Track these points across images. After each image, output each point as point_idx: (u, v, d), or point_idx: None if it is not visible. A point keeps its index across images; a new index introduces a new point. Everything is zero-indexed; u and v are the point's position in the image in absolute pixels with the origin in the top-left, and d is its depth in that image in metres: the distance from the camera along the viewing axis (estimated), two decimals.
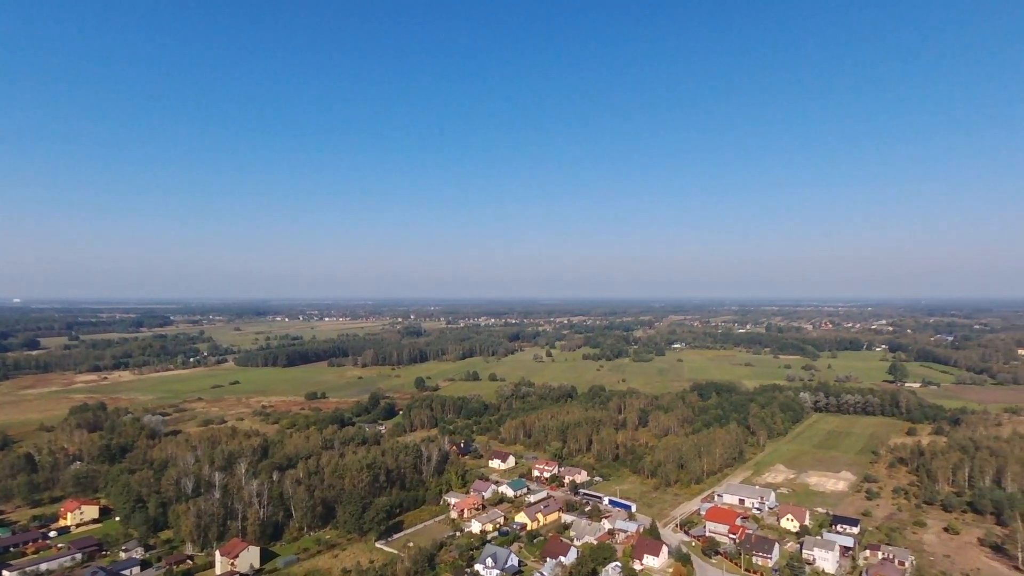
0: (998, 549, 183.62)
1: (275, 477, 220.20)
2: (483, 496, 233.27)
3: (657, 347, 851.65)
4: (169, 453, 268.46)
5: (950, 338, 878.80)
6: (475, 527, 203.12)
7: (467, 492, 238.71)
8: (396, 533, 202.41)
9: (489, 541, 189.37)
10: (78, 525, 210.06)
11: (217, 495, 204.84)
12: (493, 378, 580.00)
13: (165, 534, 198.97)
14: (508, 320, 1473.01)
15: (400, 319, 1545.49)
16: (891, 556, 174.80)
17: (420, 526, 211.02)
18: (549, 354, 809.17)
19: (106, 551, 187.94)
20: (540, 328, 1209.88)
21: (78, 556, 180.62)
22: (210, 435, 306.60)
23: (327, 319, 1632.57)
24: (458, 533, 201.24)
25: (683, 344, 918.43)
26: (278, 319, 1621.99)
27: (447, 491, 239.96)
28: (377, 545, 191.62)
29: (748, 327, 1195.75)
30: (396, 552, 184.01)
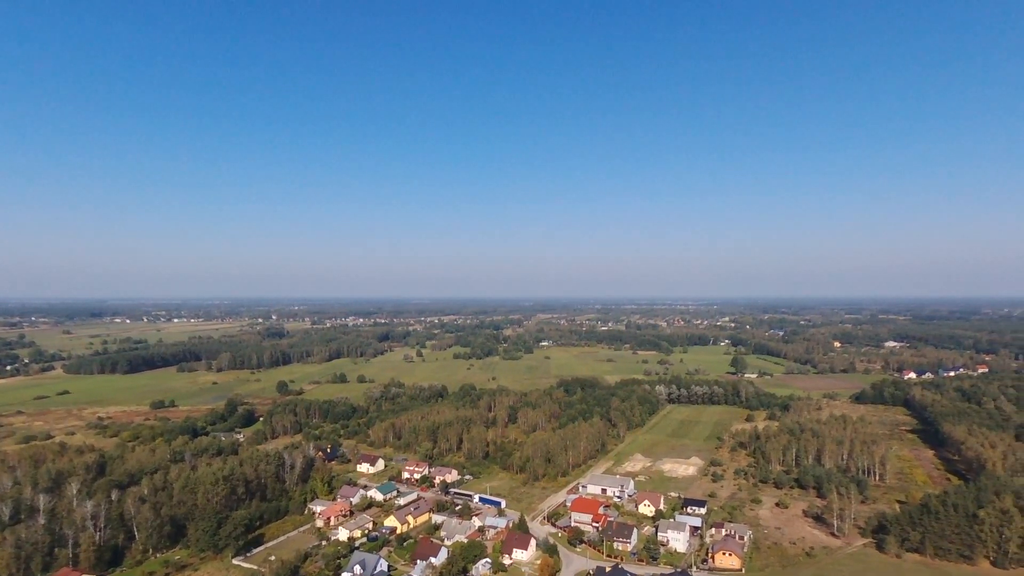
0: (818, 519, 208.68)
1: (114, 496, 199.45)
2: (351, 502, 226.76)
3: (526, 345, 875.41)
4: None
5: (781, 333, 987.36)
6: (342, 534, 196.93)
7: (334, 499, 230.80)
8: (256, 547, 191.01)
9: (357, 548, 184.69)
10: None
11: (42, 520, 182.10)
12: (362, 379, 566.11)
13: None
14: (377, 320, 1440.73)
15: (260, 320, 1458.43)
16: (733, 532, 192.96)
17: (283, 538, 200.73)
18: (420, 354, 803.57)
19: None
20: (410, 328, 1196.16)
21: None
22: (32, 453, 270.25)
23: (176, 320, 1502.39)
24: (324, 542, 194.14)
25: (550, 342, 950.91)
26: (117, 320, 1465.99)
27: (312, 499, 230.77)
28: (235, 562, 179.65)
29: (610, 325, 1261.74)
30: (256, 568, 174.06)
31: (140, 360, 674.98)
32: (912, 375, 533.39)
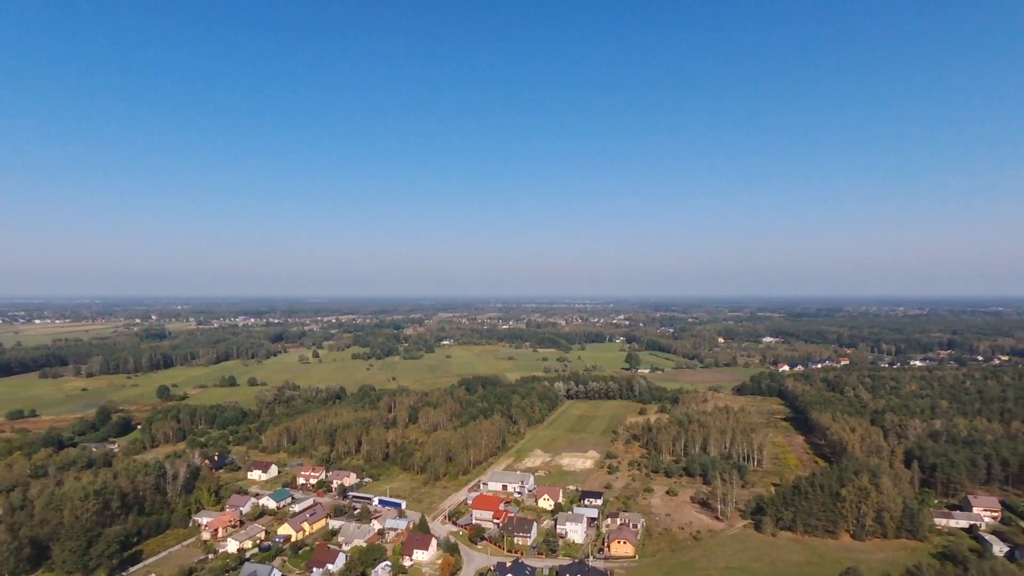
0: (704, 504, 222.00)
1: None
2: (241, 511, 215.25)
3: (427, 344, 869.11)
4: None
5: (671, 330, 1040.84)
6: (231, 546, 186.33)
7: (222, 509, 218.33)
8: (133, 566, 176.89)
9: (248, 559, 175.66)
10: None
11: None
12: (253, 382, 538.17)
13: None
14: (270, 320, 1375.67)
15: (138, 320, 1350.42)
16: (627, 521, 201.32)
17: (164, 553, 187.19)
18: (316, 355, 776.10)
19: None
20: (306, 328, 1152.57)
21: None
22: None
23: (37, 321, 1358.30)
24: (211, 555, 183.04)
25: (452, 340, 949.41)
26: None
27: (198, 510, 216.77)
28: None
29: (511, 323, 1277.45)
30: None
31: None
32: (786, 368, 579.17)
